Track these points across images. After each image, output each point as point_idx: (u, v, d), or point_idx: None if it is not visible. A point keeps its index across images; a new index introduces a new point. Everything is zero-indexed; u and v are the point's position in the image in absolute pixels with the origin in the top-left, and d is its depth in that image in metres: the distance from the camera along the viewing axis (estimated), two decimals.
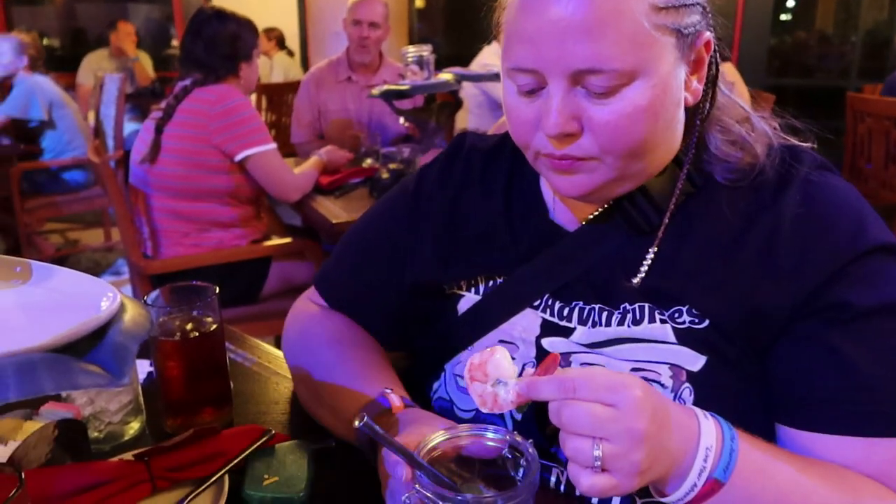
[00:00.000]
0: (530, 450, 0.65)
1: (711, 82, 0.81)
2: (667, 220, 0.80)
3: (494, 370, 0.68)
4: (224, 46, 2.38)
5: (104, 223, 4.70)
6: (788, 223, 0.74)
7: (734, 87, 3.65)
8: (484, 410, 0.68)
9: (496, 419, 0.83)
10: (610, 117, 0.71)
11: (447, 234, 0.92)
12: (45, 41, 7.52)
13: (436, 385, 0.91)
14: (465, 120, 3.75)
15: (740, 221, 0.77)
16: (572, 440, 0.61)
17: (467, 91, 3.56)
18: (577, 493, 0.66)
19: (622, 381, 0.61)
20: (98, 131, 4.40)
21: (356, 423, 0.65)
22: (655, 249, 0.80)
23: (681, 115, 0.78)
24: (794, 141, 0.83)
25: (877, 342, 0.71)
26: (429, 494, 0.63)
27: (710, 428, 0.65)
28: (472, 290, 0.91)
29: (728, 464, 0.64)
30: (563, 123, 0.71)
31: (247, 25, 2.46)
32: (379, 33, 3.21)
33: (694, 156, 0.81)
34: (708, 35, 0.77)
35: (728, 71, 3.71)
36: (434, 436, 0.69)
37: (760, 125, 0.82)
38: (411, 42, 6.55)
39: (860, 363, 0.70)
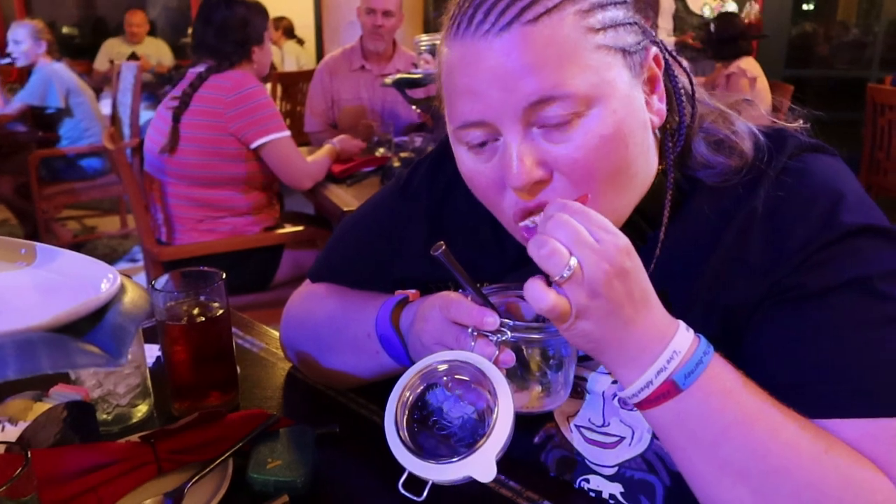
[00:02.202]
0: None
1: (683, 96, 0.78)
2: (662, 236, 0.76)
3: None
4: (235, 32, 2.38)
5: (120, 210, 4.75)
6: (759, 217, 0.71)
7: (756, 81, 3.57)
8: None
9: None
10: (577, 153, 0.67)
11: (433, 232, 0.90)
12: (65, 29, 7.58)
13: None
14: None
15: (720, 221, 0.74)
16: (553, 243, 0.60)
17: None
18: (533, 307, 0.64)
19: (615, 231, 0.62)
20: (114, 119, 4.44)
21: (433, 251, 0.67)
22: (652, 267, 0.76)
23: (651, 139, 0.74)
24: (779, 123, 0.80)
25: (836, 318, 0.67)
26: (522, 333, 0.68)
27: (686, 337, 0.64)
28: (461, 291, 0.90)
29: (692, 372, 0.63)
30: (529, 171, 0.67)
31: (256, 8, 2.45)
32: (392, 21, 3.20)
33: (680, 163, 0.78)
34: (654, 50, 0.74)
35: (750, 66, 3.67)
36: (487, 289, 0.73)
37: (742, 124, 0.77)
38: (426, 31, 6.53)
39: (819, 341, 0.66)
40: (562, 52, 0.65)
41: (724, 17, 4.08)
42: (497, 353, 0.67)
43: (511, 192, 0.70)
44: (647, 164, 0.74)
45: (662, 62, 0.76)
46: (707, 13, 5.48)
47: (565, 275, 0.59)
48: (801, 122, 0.80)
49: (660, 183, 0.77)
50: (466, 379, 0.68)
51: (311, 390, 1.01)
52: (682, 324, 0.66)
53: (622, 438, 0.79)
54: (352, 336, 0.90)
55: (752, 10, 5.70)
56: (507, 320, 0.69)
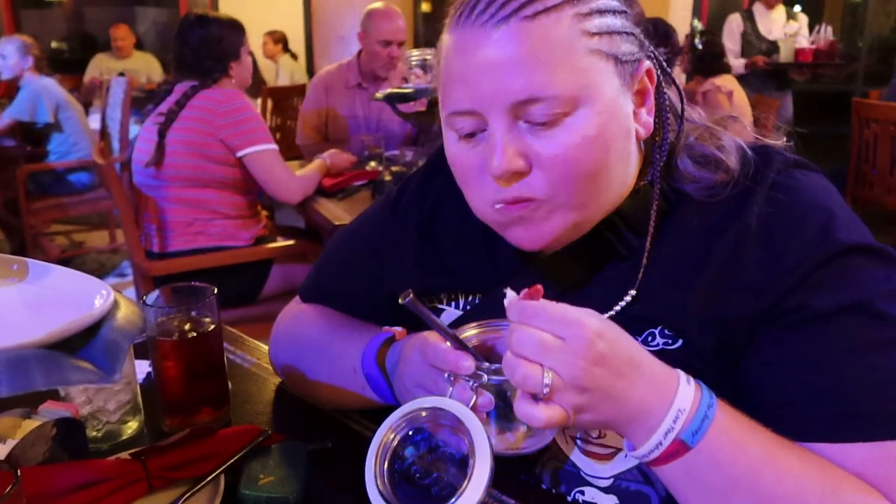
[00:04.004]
0: None
1: (671, 112, 0.80)
2: (649, 235, 0.77)
3: None
4: (211, 49, 2.44)
5: (109, 225, 4.73)
6: (753, 233, 0.72)
7: (733, 96, 3.64)
8: None
9: None
10: (558, 150, 0.68)
11: (426, 245, 0.91)
12: (54, 44, 7.58)
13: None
14: None
15: (710, 235, 0.74)
16: (522, 365, 0.61)
17: None
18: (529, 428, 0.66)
19: (578, 318, 0.61)
20: (104, 133, 4.43)
21: (401, 300, 0.65)
22: (632, 270, 0.77)
23: (633, 148, 0.76)
24: (765, 140, 0.80)
25: (837, 342, 0.68)
26: (499, 379, 0.66)
27: (688, 392, 0.64)
28: (453, 304, 0.90)
29: (699, 429, 0.63)
30: (510, 160, 0.68)
31: (230, 26, 2.51)
32: (403, 48, 3.20)
33: (665, 175, 0.78)
34: (648, 64, 0.76)
35: (725, 82, 3.73)
36: (466, 328, 0.71)
37: (729, 139, 0.79)
38: (416, 46, 6.57)
39: (820, 365, 0.67)
40: (555, 53, 0.67)
41: (711, 36, 4.13)
42: (475, 397, 0.66)
43: (490, 179, 0.71)
44: (624, 172, 0.76)
45: (655, 78, 0.77)
46: (779, 37, 5.14)
47: (545, 391, 0.60)
48: (785, 139, 0.81)
49: (646, 193, 0.78)
50: (448, 425, 0.66)
51: (303, 405, 1.01)
52: (681, 375, 0.66)
53: (618, 450, 0.79)
54: (338, 369, 0.90)
55: (824, 35, 5.22)
56: (484, 364, 0.68)
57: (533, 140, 0.69)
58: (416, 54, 2.60)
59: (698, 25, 5.13)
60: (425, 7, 7.37)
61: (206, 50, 2.43)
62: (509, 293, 0.66)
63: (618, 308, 0.78)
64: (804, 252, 0.69)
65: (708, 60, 3.75)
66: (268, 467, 0.80)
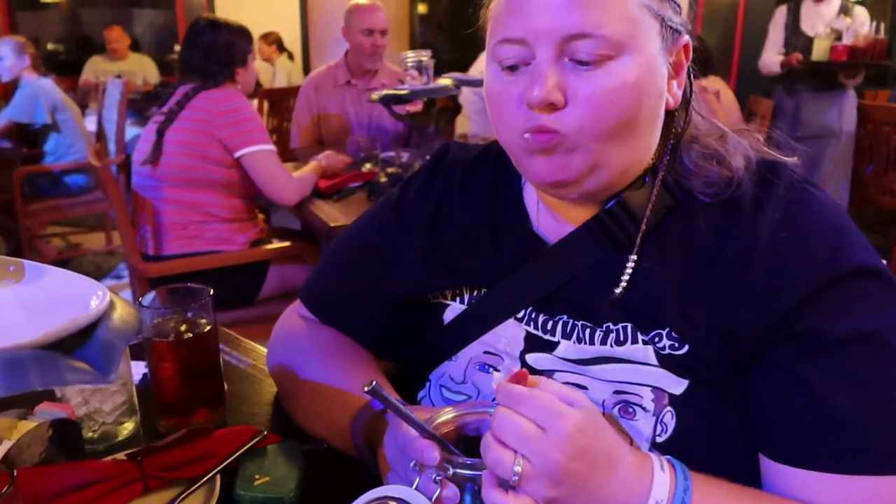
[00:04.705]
0: None
1: (686, 102, 0.81)
2: (644, 230, 0.78)
3: None
4: (220, 54, 2.46)
5: (106, 227, 4.72)
6: (764, 243, 0.72)
7: (720, 94, 3.64)
8: None
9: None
10: (595, 89, 0.70)
11: (431, 244, 0.91)
12: (50, 46, 7.56)
13: (421, 394, 0.91)
14: (465, 126, 3.76)
15: (716, 239, 0.75)
16: (497, 449, 0.62)
17: (466, 97, 3.58)
18: None
19: (561, 411, 0.62)
20: (100, 135, 4.42)
21: (364, 387, 0.65)
22: (634, 262, 0.78)
23: (662, 113, 0.78)
24: (775, 155, 0.81)
25: (849, 373, 0.68)
26: (465, 473, 0.65)
27: (663, 481, 0.65)
28: (458, 299, 0.91)
29: None
30: (550, 90, 0.70)
31: (240, 32, 2.54)
32: (387, 38, 3.29)
33: (672, 170, 0.80)
34: (687, 39, 0.78)
35: (711, 83, 3.74)
36: (443, 412, 0.71)
37: (735, 140, 0.80)
38: (412, 47, 6.58)
39: (832, 396, 0.67)
40: None
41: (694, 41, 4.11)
42: (439, 490, 0.66)
43: (525, 108, 0.73)
44: (650, 135, 0.77)
45: (690, 56, 0.80)
46: (823, 33, 4.32)
47: (514, 479, 0.61)
48: (797, 158, 0.81)
49: (651, 184, 0.79)
50: None
51: None
52: (655, 463, 0.66)
53: None
54: (327, 421, 0.89)
55: (871, 31, 4.37)
56: (454, 456, 0.67)
57: (574, 77, 0.71)
58: (411, 56, 2.61)
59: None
60: (422, 9, 7.39)
61: (215, 55, 2.45)
62: (496, 375, 0.66)
63: (617, 292, 0.78)
64: (814, 268, 0.69)
65: (694, 63, 3.73)
66: (263, 468, 0.80)
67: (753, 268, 0.72)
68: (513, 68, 0.74)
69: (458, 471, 0.66)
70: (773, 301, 0.70)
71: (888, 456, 0.66)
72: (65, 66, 6.99)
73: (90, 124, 4.70)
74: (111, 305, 0.54)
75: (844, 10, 4.39)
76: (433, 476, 0.66)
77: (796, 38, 4.42)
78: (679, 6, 0.78)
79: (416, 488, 0.66)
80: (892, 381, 0.67)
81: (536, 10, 0.71)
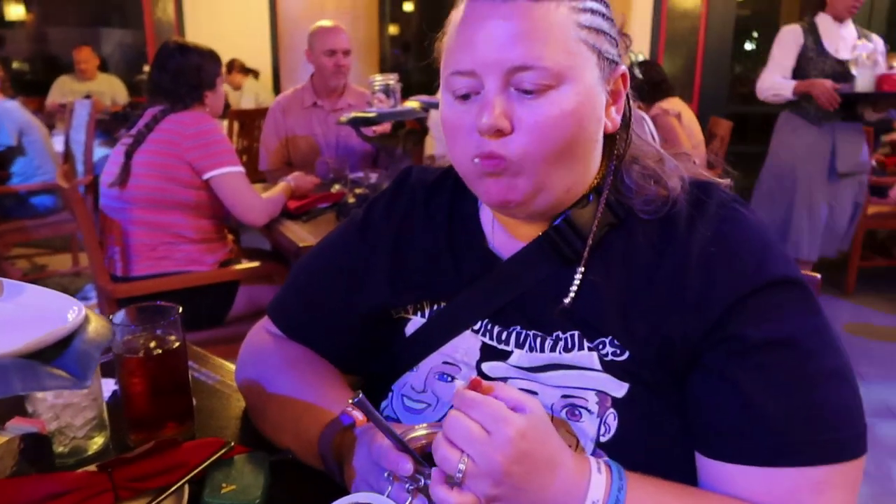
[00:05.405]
0: None
1: (626, 125, 0.88)
2: (589, 244, 0.84)
3: None
4: (189, 77, 2.49)
5: (72, 248, 4.68)
6: (696, 258, 0.78)
7: (682, 116, 3.72)
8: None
9: None
10: (538, 118, 0.77)
11: (395, 262, 0.96)
12: (15, 65, 7.49)
13: (384, 404, 0.95)
14: (433, 147, 3.82)
15: (654, 255, 0.81)
16: (445, 447, 0.67)
17: (434, 119, 3.64)
18: None
19: (506, 417, 0.67)
20: (67, 156, 4.40)
21: (350, 400, 0.70)
22: (581, 275, 0.84)
23: (601, 138, 0.84)
24: (708, 176, 0.88)
25: (771, 375, 0.74)
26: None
27: (599, 482, 0.71)
28: (419, 314, 0.95)
29: None
30: (497, 117, 0.77)
31: (209, 56, 2.57)
32: (350, 58, 3.35)
33: (614, 189, 0.86)
34: (623, 69, 0.86)
35: (671, 105, 3.77)
36: (417, 428, 0.75)
37: (672, 163, 0.87)
38: (383, 69, 6.65)
39: (756, 395, 0.73)
40: (550, 32, 0.77)
41: (648, 65, 4.03)
42: (410, 499, 0.71)
43: (476, 135, 0.79)
44: (591, 158, 0.84)
45: (628, 84, 0.87)
46: (846, 56, 3.66)
47: (458, 476, 0.66)
48: (730, 181, 0.89)
49: (596, 202, 0.85)
50: None
51: None
52: (592, 465, 0.72)
53: None
54: (294, 433, 0.92)
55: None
56: (426, 468, 0.71)
57: (519, 106, 0.78)
58: (379, 79, 2.66)
59: (636, 56, 4.57)
60: (392, 30, 7.47)
61: (184, 78, 2.48)
62: (457, 383, 0.72)
63: (566, 301, 0.84)
64: (740, 280, 0.76)
65: (649, 88, 3.71)
66: (230, 477, 0.83)
67: (687, 280, 0.78)
68: (465, 97, 0.81)
69: (429, 482, 0.70)
70: (705, 310, 0.77)
71: (807, 449, 0.72)
72: (31, 86, 6.94)
73: (58, 144, 4.67)
74: (86, 319, 0.57)
75: (865, 35, 3.75)
76: (406, 486, 0.71)
77: (823, 62, 3.68)
78: (616, 39, 0.85)
79: (387, 496, 0.71)
80: (810, 381, 0.74)
81: (484, 45, 0.78)
